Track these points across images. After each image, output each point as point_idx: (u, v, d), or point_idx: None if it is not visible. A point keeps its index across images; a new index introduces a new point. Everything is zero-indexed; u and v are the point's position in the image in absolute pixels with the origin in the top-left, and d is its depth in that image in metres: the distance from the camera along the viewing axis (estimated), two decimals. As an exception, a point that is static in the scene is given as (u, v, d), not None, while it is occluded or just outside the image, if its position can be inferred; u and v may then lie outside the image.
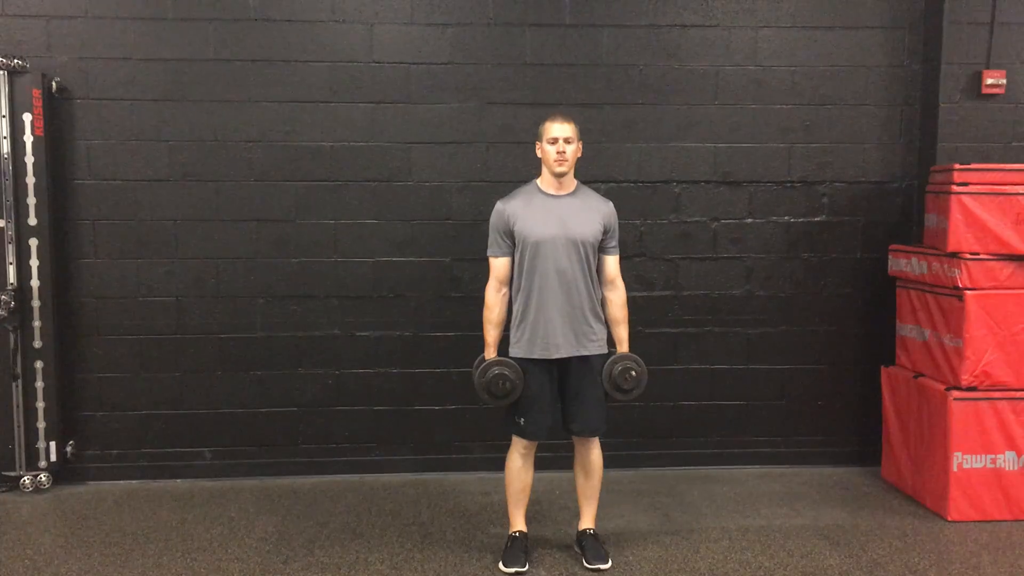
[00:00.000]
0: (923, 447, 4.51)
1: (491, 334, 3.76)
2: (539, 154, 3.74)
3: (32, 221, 4.56)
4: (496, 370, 3.68)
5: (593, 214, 3.72)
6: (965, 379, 4.28)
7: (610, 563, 3.77)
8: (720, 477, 4.93)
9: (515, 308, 3.74)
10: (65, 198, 4.70)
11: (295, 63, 4.74)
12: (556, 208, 3.69)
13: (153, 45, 4.68)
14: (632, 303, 4.95)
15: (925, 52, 4.94)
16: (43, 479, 4.65)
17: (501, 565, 3.73)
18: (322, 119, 4.78)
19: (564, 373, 3.74)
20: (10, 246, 4.54)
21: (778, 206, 5.01)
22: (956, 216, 4.32)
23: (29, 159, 4.54)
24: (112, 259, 4.75)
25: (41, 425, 4.65)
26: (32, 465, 4.66)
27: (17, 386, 4.61)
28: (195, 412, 4.86)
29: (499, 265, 3.75)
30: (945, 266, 4.37)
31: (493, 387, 3.67)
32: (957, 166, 4.37)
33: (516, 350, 3.73)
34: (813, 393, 5.10)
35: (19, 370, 4.60)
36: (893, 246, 4.86)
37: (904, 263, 4.72)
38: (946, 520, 4.30)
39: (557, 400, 3.77)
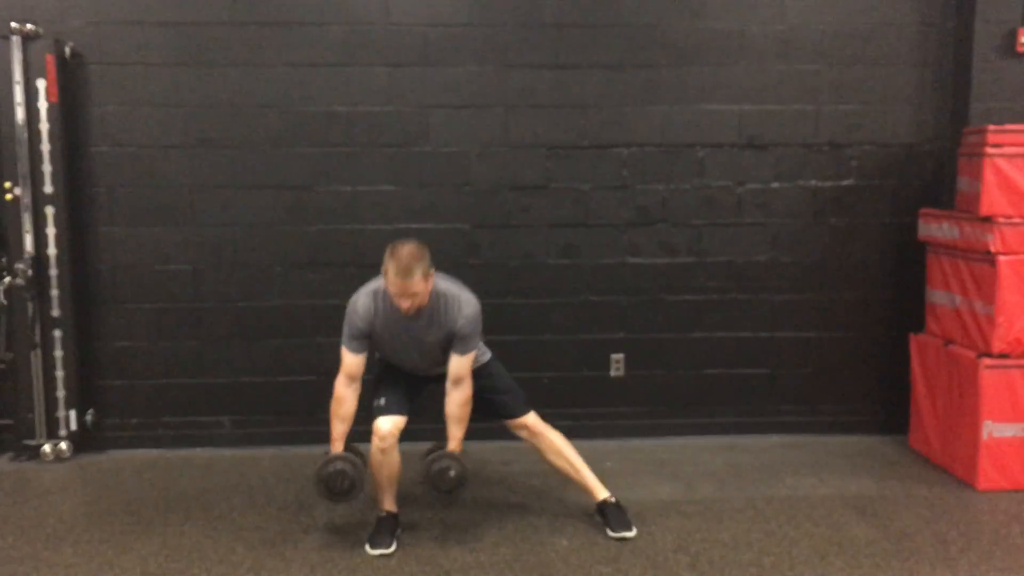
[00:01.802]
0: (952, 415, 4.42)
1: (337, 428, 3.59)
2: (383, 280, 3.49)
3: (48, 189, 4.52)
4: (337, 465, 3.54)
5: (442, 332, 3.58)
6: (997, 346, 4.18)
7: (635, 531, 3.72)
8: (744, 446, 4.87)
9: None
10: (80, 165, 4.65)
11: (310, 25, 4.65)
12: (406, 328, 3.57)
13: (166, 8, 4.60)
14: (654, 270, 4.91)
15: (958, 9, 4.78)
16: (63, 448, 4.65)
17: (367, 547, 3.61)
18: (338, 83, 4.70)
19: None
20: (26, 214, 4.51)
21: (805, 170, 4.89)
22: (989, 179, 4.21)
23: (44, 126, 4.49)
24: (128, 227, 4.72)
25: (61, 394, 4.64)
26: (53, 434, 4.66)
27: (36, 355, 4.60)
28: (214, 381, 4.84)
29: (351, 362, 3.59)
30: (977, 230, 4.26)
31: (331, 483, 3.54)
32: (991, 127, 4.24)
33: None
34: (840, 361, 5.02)
35: (38, 339, 4.59)
36: (924, 210, 4.74)
37: (935, 228, 4.61)
38: (975, 490, 4.23)
39: (422, 388, 3.81)
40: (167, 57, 4.63)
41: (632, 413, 5.00)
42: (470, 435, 4.82)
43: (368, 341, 3.62)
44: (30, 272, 4.50)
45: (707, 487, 4.31)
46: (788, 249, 4.94)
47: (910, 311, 4.89)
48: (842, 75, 4.83)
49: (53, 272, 4.58)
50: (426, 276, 3.44)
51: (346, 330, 3.60)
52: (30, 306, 4.55)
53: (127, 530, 3.82)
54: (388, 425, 3.59)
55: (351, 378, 3.61)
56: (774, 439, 4.97)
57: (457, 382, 3.61)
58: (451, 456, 3.62)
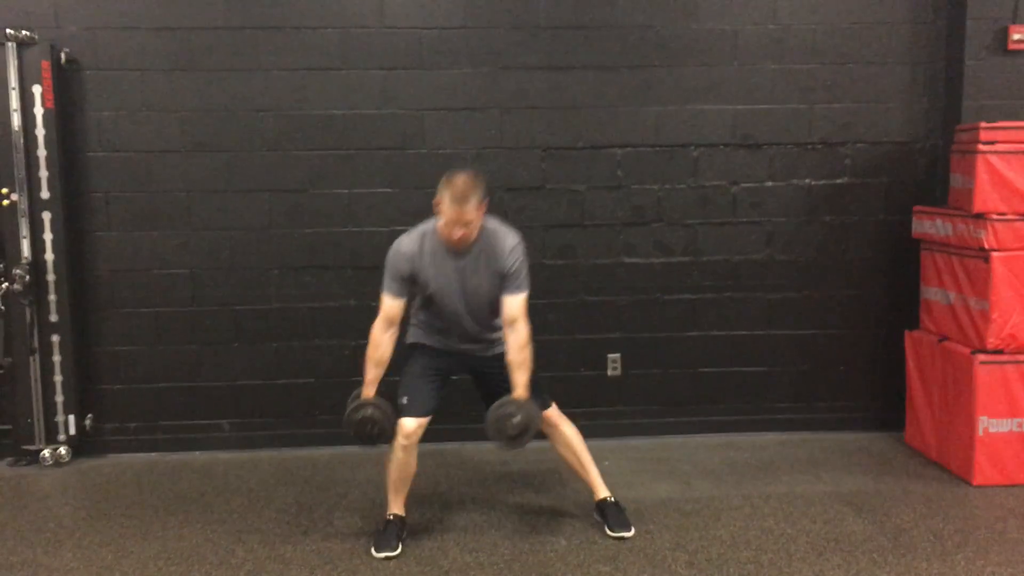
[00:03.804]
0: (948, 411, 4.44)
1: (371, 372, 3.59)
2: (436, 211, 3.50)
3: (45, 194, 4.53)
4: (367, 412, 3.54)
5: (489, 270, 3.57)
6: (991, 342, 4.20)
7: (633, 531, 3.74)
8: (741, 444, 4.89)
9: (417, 309, 3.74)
10: (77, 170, 4.66)
11: (305, 29, 4.67)
12: (454, 265, 3.55)
13: (162, 14, 4.61)
14: (650, 269, 4.93)
15: (950, 7, 4.80)
16: (63, 452, 4.66)
17: (373, 550, 3.61)
18: (334, 87, 4.71)
19: (478, 372, 3.77)
20: (23, 220, 4.52)
21: (799, 168, 4.91)
22: (982, 176, 4.22)
23: (40, 132, 4.50)
24: (126, 231, 4.72)
25: (59, 399, 4.65)
26: (52, 439, 4.67)
27: (34, 360, 4.61)
28: (212, 384, 4.85)
29: (391, 306, 3.56)
30: (971, 227, 4.27)
31: (360, 429, 3.54)
32: (983, 124, 4.26)
33: (415, 334, 3.75)
34: (835, 358, 5.04)
35: (36, 344, 4.59)
36: (917, 208, 4.76)
37: (928, 225, 4.62)
38: (971, 485, 4.24)
39: (444, 385, 3.76)
40: (163, 62, 4.64)
41: (629, 412, 5.01)
42: (467, 436, 4.86)
43: (408, 285, 3.58)
44: (28, 277, 4.50)
45: (704, 485, 4.32)
46: (783, 247, 4.96)
47: (905, 308, 4.91)
48: (835, 74, 4.85)
49: (51, 277, 4.58)
50: (480, 205, 3.46)
51: (387, 273, 3.57)
52: (28, 311, 4.56)
53: (126, 534, 3.83)
54: (412, 424, 3.59)
55: (389, 322, 3.58)
56: (771, 436, 4.99)
57: (512, 323, 3.56)
58: (516, 402, 3.54)
